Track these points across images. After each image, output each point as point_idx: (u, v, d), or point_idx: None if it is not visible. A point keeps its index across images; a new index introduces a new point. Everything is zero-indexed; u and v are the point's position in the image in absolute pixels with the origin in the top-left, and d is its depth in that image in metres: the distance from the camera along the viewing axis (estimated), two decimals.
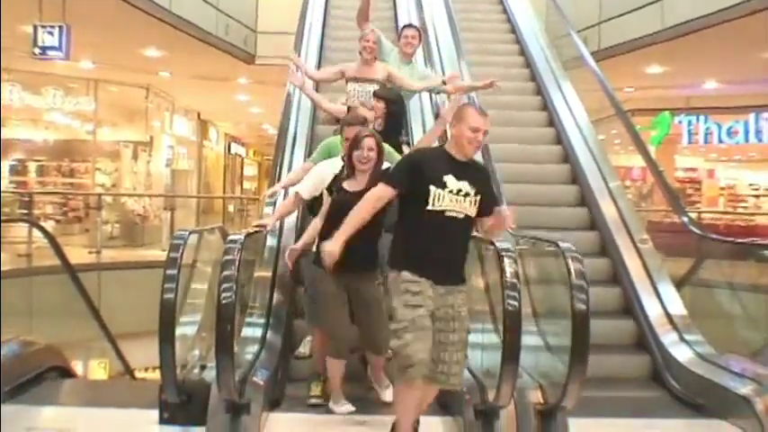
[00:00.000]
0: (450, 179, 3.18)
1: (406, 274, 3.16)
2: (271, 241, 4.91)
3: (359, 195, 3.60)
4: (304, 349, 4.46)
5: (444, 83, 5.46)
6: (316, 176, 4.08)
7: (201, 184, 18.98)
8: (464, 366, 3.32)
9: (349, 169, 3.78)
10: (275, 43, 11.12)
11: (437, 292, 3.17)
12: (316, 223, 4.03)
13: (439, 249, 3.19)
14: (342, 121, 4.37)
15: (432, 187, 3.15)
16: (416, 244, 3.20)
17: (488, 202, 3.31)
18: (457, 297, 3.23)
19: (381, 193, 3.27)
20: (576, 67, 7.69)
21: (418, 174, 3.20)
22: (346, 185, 3.78)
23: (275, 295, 4.61)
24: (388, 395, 3.94)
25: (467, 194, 3.20)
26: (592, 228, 5.88)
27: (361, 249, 3.51)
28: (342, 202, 3.66)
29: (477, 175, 3.32)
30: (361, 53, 5.22)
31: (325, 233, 3.73)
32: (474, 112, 3.30)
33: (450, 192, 3.17)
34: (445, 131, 4.52)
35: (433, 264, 3.18)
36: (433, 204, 3.15)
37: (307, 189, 4.08)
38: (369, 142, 3.71)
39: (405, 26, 5.98)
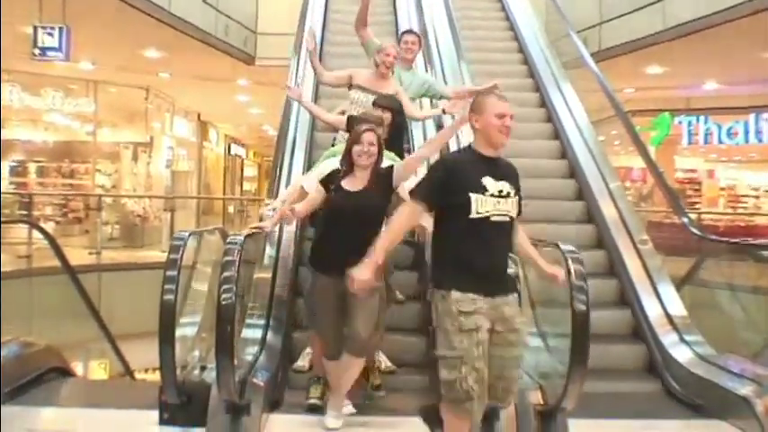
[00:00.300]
0: (488, 181, 2.95)
1: (456, 295, 2.89)
2: (270, 250, 4.89)
3: (359, 195, 3.57)
4: (302, 362, 4.37)
5: (444, 111, 5.21)
6: (319, 172, 3.97)
7: (201, 186, 18.97)
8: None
9: (348, 165, 3.64)
10: (275, 44, 11.13)
11: (492, 304, 2.93)
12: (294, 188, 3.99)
13: (488, 259, 2.94)
14: (356, 119, 4.17)
15: (471, 194, 2.90)
16: (463, 257, 2.93)
17: (520, 201, 3.10)
18: (512, 307, 3.01)
19: (411, 212, 3.02)
20: (576, 68, 7.69)
21: (452, 183, 2.94)
22: (345, 184, 3.63)
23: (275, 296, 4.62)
24: (332, 421, 3.64)
25: (507, 195, 2.98)
26: (589, 221, 5.92)
27: (357, 256, 3.34)
28: (340, 202, 3.58)
29: (511, 171, 3.10)
30: (377, 65, 4.90)
31: (322, 235, 3.69)
32: (494, 99, 3.08)
33: (492, 195, 2.93)
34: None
35: (484, 276, 2.93)
36: (477, 212, 2.90)
37: (312, 185, 3.90)
38: (369, 137, 3.59)
39: (404, 32, 5.76)
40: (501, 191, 2.96)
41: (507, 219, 2.98)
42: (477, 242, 2.92)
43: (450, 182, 2.95)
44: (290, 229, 5.00)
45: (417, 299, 4.95)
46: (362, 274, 2.98)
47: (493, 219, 2.92)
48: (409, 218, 3.05)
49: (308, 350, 4.36)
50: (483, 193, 2.91)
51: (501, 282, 3.01)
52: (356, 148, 3.59)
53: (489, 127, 2.99)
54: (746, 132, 14.82)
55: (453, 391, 2.83)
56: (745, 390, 3.81)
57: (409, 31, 5.72)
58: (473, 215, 2.90)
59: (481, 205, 2.90)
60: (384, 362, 4.38)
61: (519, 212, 3.07)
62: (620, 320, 5.06)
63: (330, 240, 3.63)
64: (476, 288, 2.90)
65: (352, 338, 3.59)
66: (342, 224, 3.56)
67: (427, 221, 3.17)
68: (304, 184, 3.99)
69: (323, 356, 3.76)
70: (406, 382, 4.38)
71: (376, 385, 4.12)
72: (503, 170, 3.04)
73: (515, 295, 3.10)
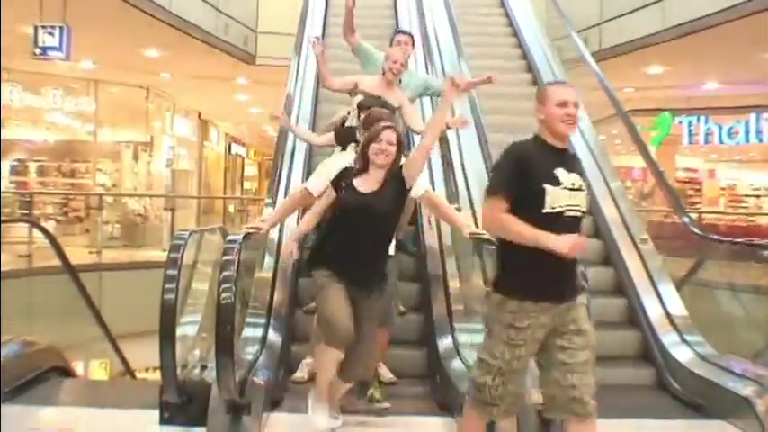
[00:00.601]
0: (561, 173, 2.71)
1: (512, 306, 2.69)
2: (269, 259, 4.87)
3: (371, 198, 3.33)
4: (301, 373, 4.33)
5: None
6: (324, 170, 3.74)
7: (202, 185, 18.96)
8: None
9: (362, 163, 3.38)
10: (276, 44, 11.13)
11: (557, 310, 2.72)
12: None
13: (560, 260, 2.63)
14: (366, 107, 3.98)
15: (546, 186, 2.66)
16: (533, 258, 2.64)
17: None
18: (579, 311, 2.79)
19: (499, 209, 2.69)
20: (577, 67, 7.68)
21: (527, 172, 2.69)
22: (358, 184, 3.36)
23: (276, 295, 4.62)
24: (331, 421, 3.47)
25: (579, 188, 2.75)
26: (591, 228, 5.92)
27: (367, 263, 3.25)
28: (353, 204, 3.33)
29: (578, 163, 2.88)
30: (384, 72, 4.77)
31: (330, 238, 3.38)
32: (555, 87, 2.89)
33: (565, 188, 2.70)
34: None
35: (554, 280, 2.71)
36: (551, 206, 2.66)
37: (316, 186, 3.70)
38: (389, 135, 3.32)
39: (397, 31, 5.56)
40: (573, 183, 2.74)
41: (580, 214, 2.76)
42: None
43: (525, 170, 2.69)
44: (293, 225, 4.98)
45: (419, 310, 4.95)
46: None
47: (567, 214, 2.70)
48: (498, 216, 2.70)
49: (307, 360, 4.33)
50: (557, 186, 2.68)
51: (570, 286, 2.79)
52: (374, 146, 3.32)
53: (552, 118, 2.77)
54: (747, 132, 14.84)
55: (481, 393, 2.77)
56: (747, 390, 3.80)
57: (401, 31, 5.58)
58: (546, 209, 2.66)
59: (555, 199, 2.67)
60: (385, 374, 4.37)
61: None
62: (616, 309, 5.12)
63: (337, 244, 3.35)
64: (543, 295, 2.69)
65: (351, 364, 3.37)
66: (351, 227, 3.31)
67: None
68: (308, 186, 3.79)
69: (319, 344, 3.42)
70: (406, 391, 4.35)
71: (376, 399, 3.95)
72: (572, 162, 2.83)
73: (584, 296, 2.91)
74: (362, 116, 3.98)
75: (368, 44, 5.45)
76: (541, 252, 2.60)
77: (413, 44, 5.43)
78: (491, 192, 2.75)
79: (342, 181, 3.41)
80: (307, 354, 4.43)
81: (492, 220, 2.74)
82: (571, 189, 2.72)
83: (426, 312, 4.85)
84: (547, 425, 3.42)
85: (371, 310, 3.41)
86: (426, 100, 6.40)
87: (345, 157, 3.72)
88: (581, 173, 2.82)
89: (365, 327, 3.36)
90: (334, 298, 3.28)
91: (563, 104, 2.76)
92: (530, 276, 2.70)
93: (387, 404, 3.84)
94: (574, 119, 2.78)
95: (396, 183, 3.36)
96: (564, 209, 2.68)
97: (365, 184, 3.36)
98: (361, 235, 3.29)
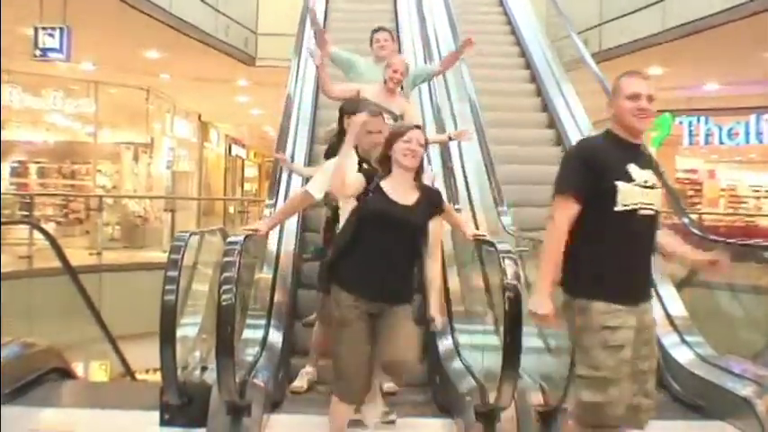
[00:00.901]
0: (633, 169, 2.58)
1: (599, 306, 2.53)
2: (271, 247, 4.87)
3: (407, 210, 3.04)
4: (300, 383, 4.26)
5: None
6: (327, 173, 3.51)
7: (202, 186, 18.96)
8: None
9: (384, 167, 3.09)
10: (276, 45, 11.12)
11: (636, 312, 2.58)
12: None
13: (635, 260, 2.57)
14: (358, 105, 3.84)
15: (618, 182, 2.54)
16: (605, 258, 2.56)
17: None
18: (650, 314, 2.67)
19: (568, 212, 2.56)
20: (577, 68, 7.69)
21: (597, 168, 2.56)
22: (388, 190, 3.04)
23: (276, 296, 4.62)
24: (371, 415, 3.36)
25: (653, 186, 2.62)
26: None
27: (393, 277, 3.01)
28: (383, 208, 3.01)
29: (653, 160, 2.74)
30: (385, 80, 4.73)
31: (352, 246, 3.03)
32: (626, 78, 2.69)
33: (638, 185, 2.57)
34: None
35: (629, 280, 2.60)
36: (623, 204, 2.54)
37: (318, 189, 3.52)
38: (419, 135, 3.05)
39: (375, 29, 5.44)
40: (646, 181, 2.60)
41: (654, 213, 2.62)
42: (622, 240, 2.56)
43: (594, 166, 2.57)
44: (288, 250, 4.97)
45: (420, 323, 4.94)
46: (544, 305, 2.56)
47: (641, 213, 2.56)
48: (569, 219, 2.57)
49: (308, 369, 4.30)
50: (629, 182, 2.56)
51: (646, 288, 2.67)
52: (402, 146, 3.03)
53: (622, 112, 2.63)
54: (747, 133, 14.83)
55: (597, 415, 2.52)
56: (746, 390, 3.80)
57: (380, 29, 5.47)
58: (618, 207, 2.54)
59: (628, 196, 2.55)
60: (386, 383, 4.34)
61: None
62: None
63: (364, 253, 3.04)
64: (621, 296, 2.55)
65: (393, 366, 3.09)
66: (380, 237, 3.01)
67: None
68: (310, 189, 3.62)
69: (334, 397, 3.17)
70: (406, 400, 4.27)
71: (384, 412, 3.75)
72: (645, 159, 2.67)
73: (652, 301, 2.78)
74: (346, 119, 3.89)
75: (342, 50, 5.38)
76: (610, 249, 2.53)
77: (393, 40, 5.40)
78: (558, 189, 2.62)
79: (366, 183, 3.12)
80: (306, 364, 4.38)
81: (558, 224, 2.57)
82: (644, 186, 2.59)
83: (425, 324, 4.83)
84: (547, 425, 3.43)
85: (397, 317, 3.09)
86: (427, 101, 6.42)
87: (347, 161, 3.60)
88: (655, 170, 2.68)
89: (399, 331, 3.07)
90: (354, 347, 3.00)
91: (634, 97, 2.61)
92: (603, 275, 2.57)
93: (394, 416, 3.75)
94: (647, 112, 2.62)
95: (431, 201, 3.16)
96: (637, 206, 2.56)
97: (396, 191, 3.07)
98: (392, 246, 3.02)
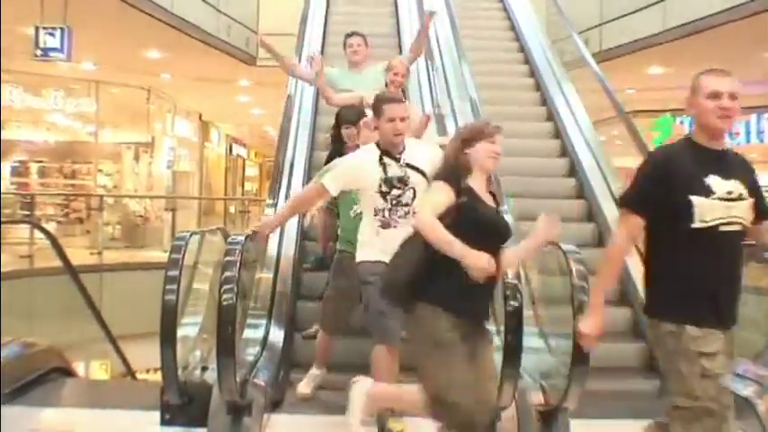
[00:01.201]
0: (714, 181, 2.36)
1: (692, 331, 2.32)
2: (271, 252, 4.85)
3: (498, 215, 2.81)
4: (307, 390, 4.12)
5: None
6: (345, 170, 3.32)
7: (203, 186, 18.97)
8: None
9: (463, 171, 2.72)
10: (277, 45, 11.08)
11: (726, 337, 2.40)
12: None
13: (721, 279, 2.37)
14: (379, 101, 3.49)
15: (693, 198, 2.33)
16: (685, 279, 2.37)
17: (759, 201, 2.47)
18: (732, 338, 2.46)
19: (631, 228, 2.44)
20: (577, 68, 7.70)
21: (669, 182, 2.36)
22: (482, 196, 2.74)
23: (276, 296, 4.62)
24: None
25: (740, 197, 2.39)
26: (590, 220, 5.95)
27: (484, 294, 2.70)
28: (491, 217, 2.73)
29: (742, 165, 2.49)
30: (387, 84, 4.73)
31: (451, 263, 2.54)
32: (706, 75, 2.46)
33: (719, 198, 2.35)
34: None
35: (714, 301, 2.38)
36: (701, 220, 2.34)
37: (335, 185, 3.28)
38: (501, 139, 2.76)
39: (348, 34, 5.43)
40: (731, 192, 2.38)
41: (740, 227, 2.40)
42: (704, 258, 2.36)
43: (666, 181, 2.37)
44: (288, 255, 4.96)
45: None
46: (596, 325, 2.45)
47: (722, 229, 2.35)
48: (631, 236, 2.45)
49: (314, 372, 4.18)
50: (708, 197, 2.35)
51: (735, 308, 2.45)
52: (486, 147, 2.71)
53: (702, 112, 2.41)
54: (748, 133, 14.81)
55: None
56: (747, 390, 3.79)
57: (354, 34, 5.47)
58: (696, 224, 2.34)
59: (706, 211, 2.34)
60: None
61: (759, 217, 2.46)
62: (621, 319, 5.04)
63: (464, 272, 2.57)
64: (712, 319, 2.36)
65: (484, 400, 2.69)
66: (479, 246, 2.55)
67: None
68: (326, 182, 3.31)
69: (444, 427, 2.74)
70: None
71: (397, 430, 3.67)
72: (732, 165, 2.45)
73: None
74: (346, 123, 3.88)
75: (328, 69, 5.36)
76: (689, 268, 2.36)
77: (366, 44, 5.39)
78: (621, 202, 2.49)
79: (455, 186, 2.70)
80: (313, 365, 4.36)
81: (621, 237, 2.45)
82: (728, 199, 2.36)
83: None
84: (547, 424, 3.43)
85: (484, 343, 2.81)
86: (428, 103, 6.43)
87: (368, 154, 3.31)
88: (745, 177, 2.45)
89: (486, 355, 2.81)
90: (463, 376, 2.59)
91: (715, 96, 2.40)
92: (688, 295, 2.38)
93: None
94: (730, 111, 2.40)
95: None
96: (717, 222, 2.35)
97: (484, 196, 2.76)
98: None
